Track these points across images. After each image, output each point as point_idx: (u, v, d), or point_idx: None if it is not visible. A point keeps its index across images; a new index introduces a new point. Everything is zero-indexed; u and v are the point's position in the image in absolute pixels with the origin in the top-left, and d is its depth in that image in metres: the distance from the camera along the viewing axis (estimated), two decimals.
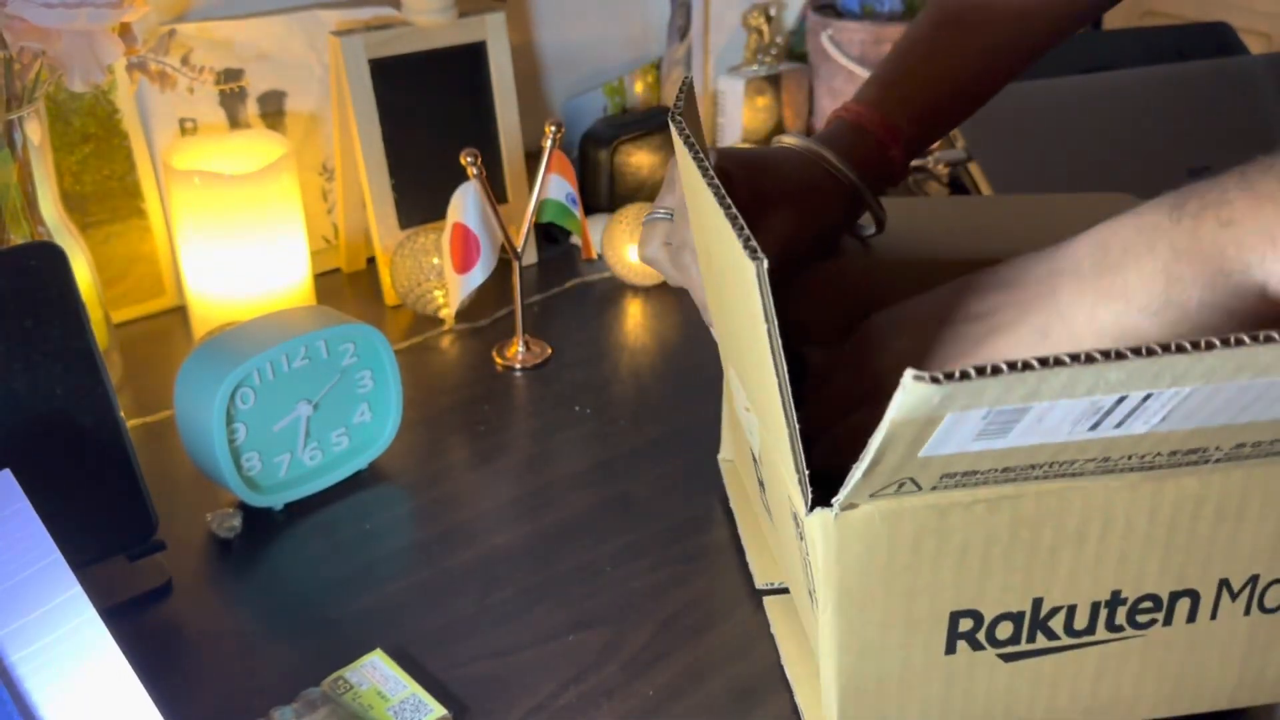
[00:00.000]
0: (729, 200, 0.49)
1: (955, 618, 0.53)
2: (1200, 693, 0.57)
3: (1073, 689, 0.56)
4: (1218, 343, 0.41)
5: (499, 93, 1.04)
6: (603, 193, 1.13)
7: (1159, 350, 0.41)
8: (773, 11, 1.28)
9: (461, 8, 1.00)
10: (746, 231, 0.46)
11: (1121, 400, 0.43)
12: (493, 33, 1.02)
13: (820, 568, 0.51)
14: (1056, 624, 0.54)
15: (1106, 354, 0.41)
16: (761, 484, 0.63)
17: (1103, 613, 0.54)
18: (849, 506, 0.49)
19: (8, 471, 0.54)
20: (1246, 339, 0.41)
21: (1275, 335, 0.42)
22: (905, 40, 0.79)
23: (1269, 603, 0.55)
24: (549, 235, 1.11)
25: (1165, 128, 1.12)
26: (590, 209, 1.12)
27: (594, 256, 0.98)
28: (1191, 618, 0.55)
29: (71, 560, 0.51)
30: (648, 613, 0.66)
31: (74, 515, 0.62)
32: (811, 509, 0.50)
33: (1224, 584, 0.54)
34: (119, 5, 0.73)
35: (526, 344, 0.92)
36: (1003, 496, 0.50)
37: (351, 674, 0.60)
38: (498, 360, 0.92)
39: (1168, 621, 0.55)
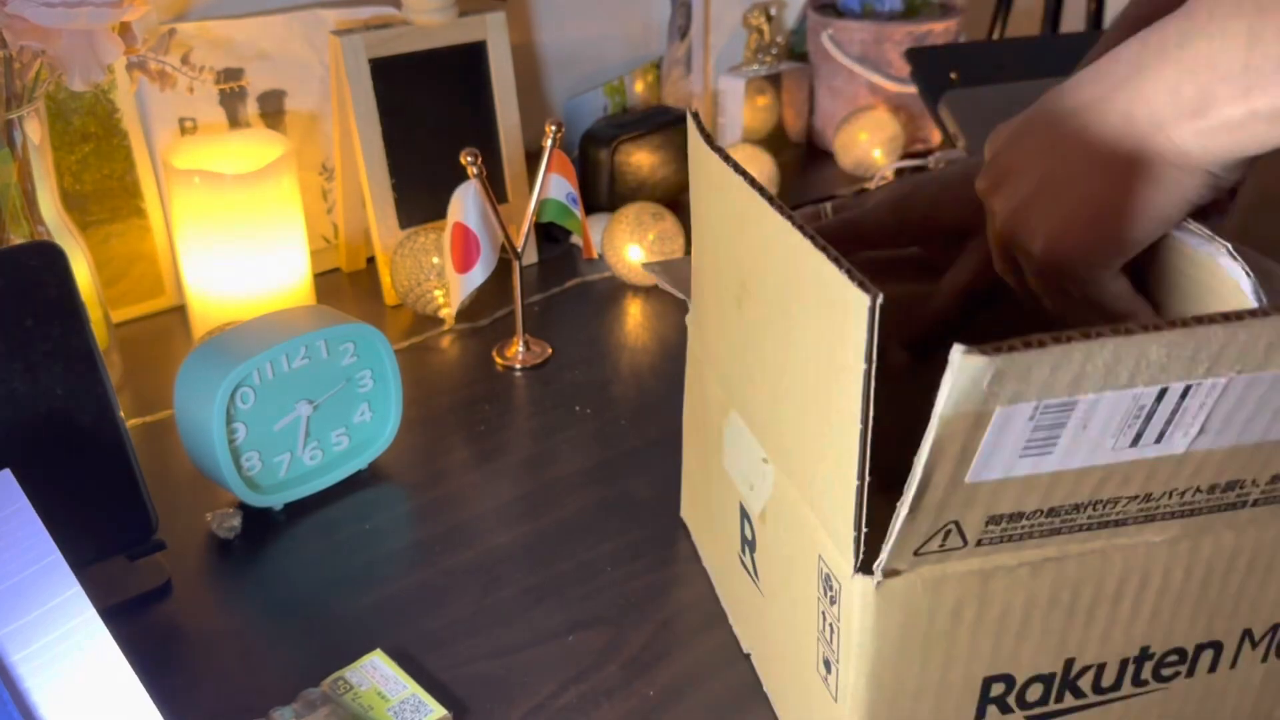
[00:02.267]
0: (820, 239, 0.47)
1: (988, 683, 0.51)
2: None
3: None
4: (1246, 315, 0.40)
5: (499, 92, 1.04)
6: (603, 192, 1.13)
7: (1192, 322, 0.40)
8: (773, 11, 1.28)
9: (461, 7, 1.00)
10: (848, 265, 0.44)
11: (1162, 396, 0.42)
12: (493, 32, 1.02)
13: (855, 637, 0.49)
14: (1085, 683, 0.52)
15: (1145, 327, 0.40)
16: (750, 544, 0.60)
17: (1130, 669, 0.53)
18: (892, 573, 0.47)
19: (8, 471, 0.54)
20: (1275, 311, 0.41)
21: None
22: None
23: None
24: (549, 235, 1.11)
25: None
26: (590, 209, 1.12)
27: (594, 256, 0.98)
28: (1213, 668, 0.54)
29: (71, 560, 0.51)
30: (648, 613, 0.66)
31: (74, 515, 0.62)
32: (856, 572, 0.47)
33: (1247, 634, 0.53)
34: (119, 4, 0.73)
35: (526, 344, 0.92)
36: (1046, 558, 0.48)
37: (351, 674, 0.60)
38: (498, 360, 0.92)
39: (1190, 673, 0.53)
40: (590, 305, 1.00)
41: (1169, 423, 0.43)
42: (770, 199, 0.50)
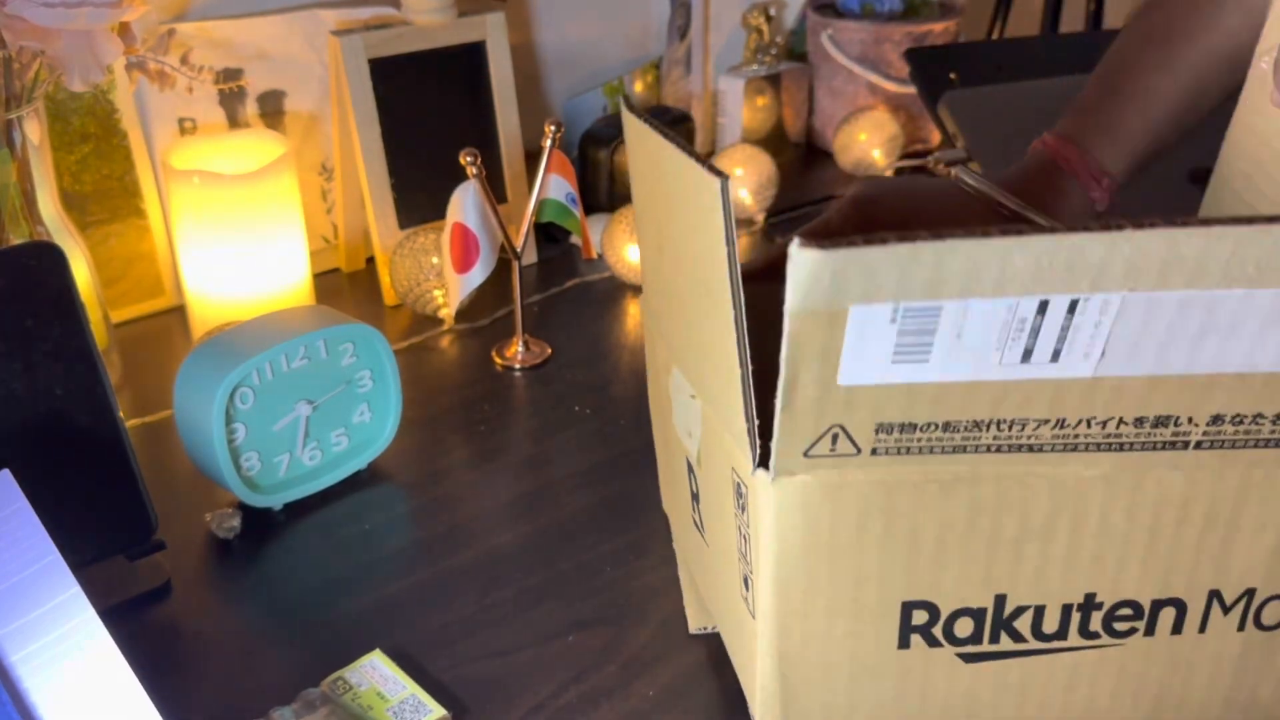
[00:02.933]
0: (678, 138, 0.47)
1: (908, 609, 0.49)
2: (1183, 713, 0.53)
3: (1042, 699, 0.52)
4: (1128, 226, 0.38)
5: (499, 93, 1.04)
6: (602, 192, 1.13)
7: (1062, 229, 0.39)
8: (773, 11, 1.28)
9: (461, 7, 1.00)
10: (701, 156, 0.45)
11: (1044, 308, 0.40)
12: (492, 32, 1.02)
13: (762, 540, 0.48)
14: (1023, 625, 0.50)
15: (1005, 231, 0.38)
16: (696, 496, 0.59)
17: (1075, 616, 0.50)
18: (786, 473, 0.46)
19: (7, 472, 0.54)
20: (1161, 220, 0.38)
21: (1192, 220, 0.39)
22: (1111, 59, 0.72)
23: (1267, 619, 0.51)
24: (549, 235, 1.11)
25: None
26: (590, 209, 1.12)
27: (594, 256, 0.98)
28: (1177, 629, 0.51)
29: (71, 560, 0.51)
30: (648, 613, 0.66)
31: (74, 515, 0.62)
32: (756, 468, 0.47)
33: (1215, 595, 0.50)
34: (118, 5, 0.73)
35: (526, 344, 0.92)
36: (958, 479, 0.46)
37: (351, 674, 0.60)
38: (497, 360, 0.92)
39: (1149, 632, 0.51)
40: (590, 305, 1.00)
41: (1061, 340, 0.41)
42: (667, 134, 0.50)
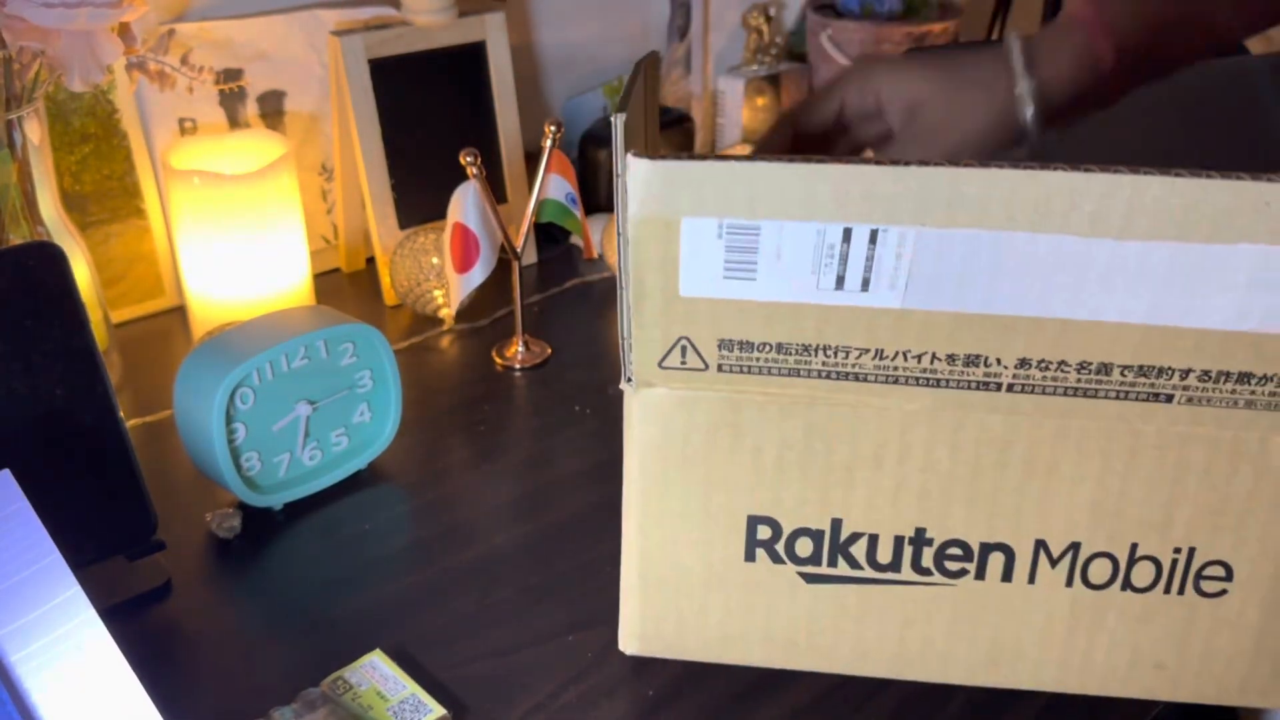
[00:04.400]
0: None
1: (753, 523, 0.54)
2: (1019, 665, 0.56)
3: (879, 629, 0.56)
4: (914, 164, 0.44)
5: (499, 93, 1.04)
6: (603, 192, 1.13)
7: (856, 161, 0.44)
8: (772, 11, 1.28)
9: (461, 8, 1.00)
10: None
11: (849, 236, 0.45)
12: (492, 33, 1.02)
13: (629, 447, 0.53)
14: (858, 551, 0.54)
15: (809, 159, 0.44)
16: None
17: (907, 550, 0.54)
18: (646, 384, 0.51)
19: (7, 472, 0.54)
20: (944, 163, 0.44)
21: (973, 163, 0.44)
22: None
23: (1094, 578, 0.54)
24: (549, 235, 1.11)
25: (1162, 128, 1.12)
26: (590, 209, 1.12)
27: (594, 256, 0.98)
28: (1006, 576, 0.54)
29: (71, 560, 0.51)
30: None
31: (74, 515, 0.62)
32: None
33: (1041, 546, 0.53)
34: (119, 5, 0.73)
35: (526, 344, 0.92)
36: (795, 401, 0.51)
37: (351, 674, 0.60)
38: (497, 360, 0.92)
39: (980, 575, 0.54)
40: (590, 305, 1.00)
41: (868, 269, 0.46)
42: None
